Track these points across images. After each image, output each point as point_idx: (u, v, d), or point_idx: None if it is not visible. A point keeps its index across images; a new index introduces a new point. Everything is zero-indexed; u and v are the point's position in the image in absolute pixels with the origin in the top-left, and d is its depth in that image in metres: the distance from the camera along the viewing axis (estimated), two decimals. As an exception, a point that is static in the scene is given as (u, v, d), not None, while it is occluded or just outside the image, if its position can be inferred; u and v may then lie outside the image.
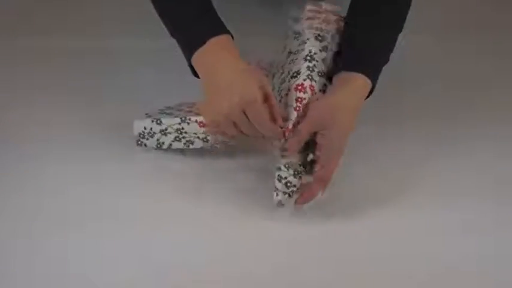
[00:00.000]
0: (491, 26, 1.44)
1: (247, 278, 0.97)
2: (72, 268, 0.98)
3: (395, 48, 1.11)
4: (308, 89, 1.04)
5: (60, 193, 1.08)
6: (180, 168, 1.13)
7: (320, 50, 1.09)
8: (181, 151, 1.15)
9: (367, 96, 1.07)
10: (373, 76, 1.07)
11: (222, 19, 1.06)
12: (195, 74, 1.05)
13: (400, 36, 1.11)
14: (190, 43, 1.04)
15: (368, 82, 1.06)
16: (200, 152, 1.14)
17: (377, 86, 1.08)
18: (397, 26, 1.12)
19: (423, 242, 1.02)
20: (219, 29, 1.05)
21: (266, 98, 0.99)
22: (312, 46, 1.09)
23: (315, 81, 1.06)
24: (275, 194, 1.03)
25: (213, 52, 1.02)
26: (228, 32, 1.05)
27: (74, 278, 0.97)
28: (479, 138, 1.19)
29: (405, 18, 1.12)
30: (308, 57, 1.07)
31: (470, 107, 1.26)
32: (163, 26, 1.09)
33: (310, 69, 1.06)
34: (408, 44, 1.29)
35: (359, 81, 1.06)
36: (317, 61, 1.08)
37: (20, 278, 0.97)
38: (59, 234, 1.02)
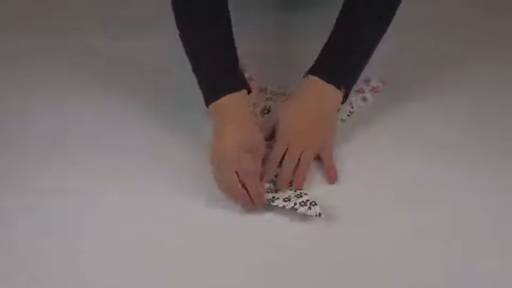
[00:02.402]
0: (482, 28, 1.44)
1: (248, 278, 0.97)
2: (72, 268, 0.98)
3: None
4: None
5: (60, 193, 1.08)
6: (180, 168, 1.13)
7: None
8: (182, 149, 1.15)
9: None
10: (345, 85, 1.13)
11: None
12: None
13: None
14: (210, 92, 1.11)
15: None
16: (201, 151, 1.14)
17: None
18: (383, 26, 1.15)
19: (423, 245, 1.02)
20: (239, 85, 1.11)
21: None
22: None
23: None
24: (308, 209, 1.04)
25: (225, 109, 1.09)
26: (245, 87, 1.11)
27: (74, 278, 0.97)
28: (468, 139, 1.18)
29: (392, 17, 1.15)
30: None
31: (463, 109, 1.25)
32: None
33: None
34: (398, 45, 1.32)
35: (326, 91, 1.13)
36: None
37: (20, 277, 0.97)
38: (59, 234, 1.02)
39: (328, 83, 1.12)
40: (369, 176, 1.11)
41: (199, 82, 1.12)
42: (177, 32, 1.14)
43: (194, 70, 1.13)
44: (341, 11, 1.16)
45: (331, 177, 1.10)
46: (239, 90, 1.10)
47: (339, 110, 1.16)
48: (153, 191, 1.09)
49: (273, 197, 1.07)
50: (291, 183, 1.09)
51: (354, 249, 1.01)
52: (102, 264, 0.99)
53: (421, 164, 1.12)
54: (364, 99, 1.23)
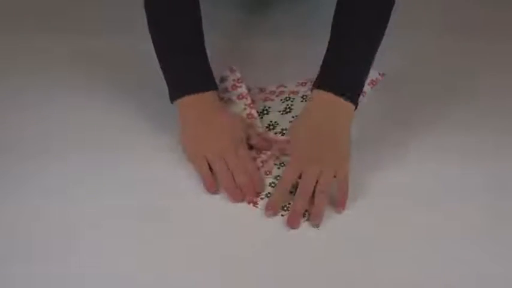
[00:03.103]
0: (489, 25, 1.43)
1: (248, 279, 0.97)
2: (72, 268, 0.98)
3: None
4: None
5: (60, 193, 1.08)
6: (181, 167, 1.13)
7: None
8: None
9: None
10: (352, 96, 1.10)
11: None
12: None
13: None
14: (179, 87, 1.13)
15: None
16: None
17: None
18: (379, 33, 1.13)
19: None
20: (211, 84, 1.14)
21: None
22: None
23: None
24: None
25: (205, 100, 1.12)
26: (216, 88, 1.14)
27: (74, 278, 0.97)
28: (473, 137, 1.18)
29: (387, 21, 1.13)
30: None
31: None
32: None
33: None
34: (406, 42, 1.32)
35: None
36: None
37: (20, 278, 0.97)
38: (59, 234, 1.02)
39: (339, 96, 1.08)
40: (368, 171, 1.10)
41: (165, 75, 1.13)
42: None
43: (161, 64, 1.14)
44: (335, 17, 1.13)
45: (339, 206, 1.05)
46: (207, 90, 1.11)
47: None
48: (153, 190, 1.09)
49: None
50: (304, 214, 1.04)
51: (362, 245, 1.01)
52: (102, 264, 0.99)
53: (420, 158, 1.13)
54: (363, 92, 1.22)
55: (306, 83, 1.25)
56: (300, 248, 1.01)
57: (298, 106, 1.21)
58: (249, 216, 1.05)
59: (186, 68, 1.13)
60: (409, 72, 1.30)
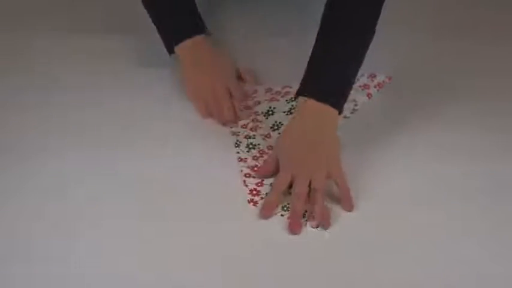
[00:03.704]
0: (487, 25, 1.42)
1: (248, 279, 0.97)
2: (72, 268, 0.98)
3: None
4: None
5: (60, 192, 1.08)
6: (181, 167, 1.12)
7: None
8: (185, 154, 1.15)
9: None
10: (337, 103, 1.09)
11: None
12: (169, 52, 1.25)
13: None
14: (173, 36, 1.24)
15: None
16: (202, 150, 1.15)
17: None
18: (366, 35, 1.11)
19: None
20: (201, 29, 1.25)
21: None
22: None
23: None
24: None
25: (199, 45, 1.24)
26: (205, 32, 1.26)
27: (74, 278, 0.96)
28: (467, 136, 1.17)
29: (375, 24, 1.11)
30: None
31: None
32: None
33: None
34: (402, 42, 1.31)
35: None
36: None
37: (20, 277, 0.96)
38: (59, 234, 1.02)
39: (322, 102, 1.07)
40: (372, 172, 1.10)
41: (159, 29, 1.24)
42: None
43: (155, 19, 1.24)
44: (322, 16, 1.11)
45: (347, 204, 1.05)
46: (197, 34, 1.23)
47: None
48: (153, 190, 1.08)
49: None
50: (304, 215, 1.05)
51: (362, 245, 1.01)
52: (102, 264, 0.98)
53: (425, 161, 1.12)
54: (369, 95, 1.22)
55: None
56: (300, 248, 1.00)
57: None
58: (249, 216, 1.05)
59: (177, 18, 1.24)
60: (408, 73, 1.29)
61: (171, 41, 1.24)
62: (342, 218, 1.04)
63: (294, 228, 1.02)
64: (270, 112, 1.21)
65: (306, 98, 1.08)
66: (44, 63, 1.34)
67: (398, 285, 0.95)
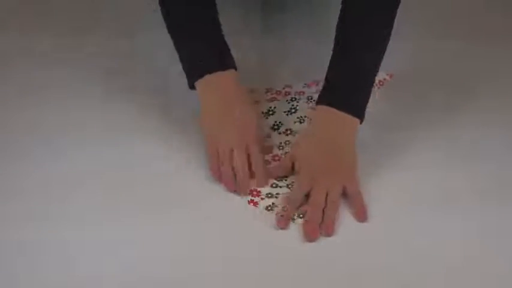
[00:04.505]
0: (492, 28, 1.43)
1: (248, 279, 0.96)
2: (72, 268, 0.97)
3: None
4: None
5: (60, 192, 1.08)
6: (181, 166, 1.12)
7: None
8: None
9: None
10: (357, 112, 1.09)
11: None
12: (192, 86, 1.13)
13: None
14: (197, 68, 1.11)
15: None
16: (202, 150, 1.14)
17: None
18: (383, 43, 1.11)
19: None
20: (229, 64, 1.12)
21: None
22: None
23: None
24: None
25: (225, 82, 1.11)
26: (234, 68, 1.12)
27: (74, 278, 0.96)
28: (476, 139, 1.16)
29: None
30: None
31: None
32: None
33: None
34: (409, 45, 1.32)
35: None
36: None
37: (20, 277, 0.96)
38: (59, 234, 1.02)
39: (344, 111, 1.08)
40: (371, 171, 1.10)
41: (182, 61, 1.13)
42: None
43: (177, 48, 1.13)
44: (338, 28, 1.11)
45: (362, 217, 1.04)
46: (224, 69, 1.10)
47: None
48: (153, 190, 1.08)
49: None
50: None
51: (363, 245, 1.00)
52: (102, 265, 0.98)
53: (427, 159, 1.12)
54: None
55: (312, 84, 1.25)
56: (301, 248, 1.00)
57: (303, 107, 1.20)
58: (249, 216, 1.05)
59: (203, 49, 1.12)
60: (411, 74, 1.29)
61: (192, 73, 1.13)
62: (342, 219, 1.03)
63: (311, 234, 1.01)
64: (270, 112, 1.21)
65: (327, 107, 1.08)
66: (44, 63, 1.34)
67: (400, 285, 0.95)
